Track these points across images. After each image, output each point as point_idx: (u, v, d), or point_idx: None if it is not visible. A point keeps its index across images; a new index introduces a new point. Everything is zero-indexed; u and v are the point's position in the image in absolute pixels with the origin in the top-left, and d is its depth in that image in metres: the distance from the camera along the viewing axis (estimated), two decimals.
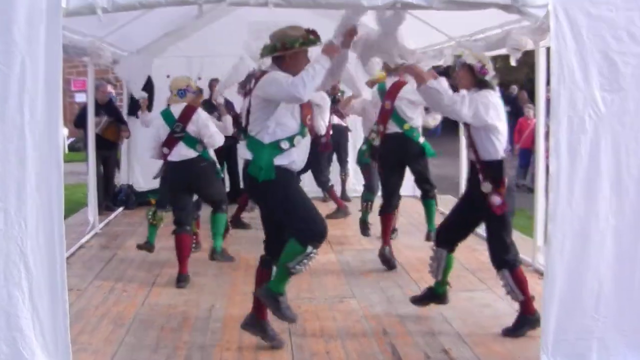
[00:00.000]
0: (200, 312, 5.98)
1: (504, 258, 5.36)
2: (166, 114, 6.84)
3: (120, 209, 10.87)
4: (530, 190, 10.80)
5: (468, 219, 5.60)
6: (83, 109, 10.26)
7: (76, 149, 19.42)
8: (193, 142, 6.76)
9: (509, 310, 5.92)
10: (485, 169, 5.27)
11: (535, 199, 7.07)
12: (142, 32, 9.98)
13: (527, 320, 5.33)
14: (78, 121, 10.69)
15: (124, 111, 11.28)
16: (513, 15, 6.33)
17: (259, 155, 4.78)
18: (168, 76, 10.53)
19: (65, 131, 19.16)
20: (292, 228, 4.83)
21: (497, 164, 5.29)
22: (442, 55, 9.37)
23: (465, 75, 5.36)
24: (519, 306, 5.40)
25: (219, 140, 6.92)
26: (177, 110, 6.79)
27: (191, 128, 6.73)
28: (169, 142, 6.76)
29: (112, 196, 10.99)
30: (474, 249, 8.11)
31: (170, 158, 6.80)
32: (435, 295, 5.78)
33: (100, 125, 10.11)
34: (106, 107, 10.53)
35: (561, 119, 4.16)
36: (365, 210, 8.38)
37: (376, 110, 7.43)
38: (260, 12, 4.86)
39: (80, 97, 19.04)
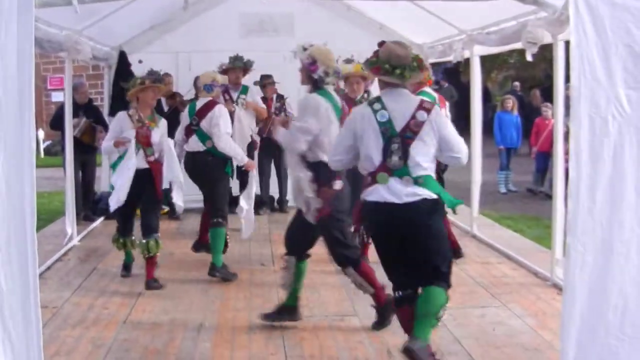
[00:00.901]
0: (187, 332, 5.94)
1: (344, 255, 5.88)
2: (191, 106, 7.81)
3: (101, 218, 10.79)
4: (548, 197, 10.80)
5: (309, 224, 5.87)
6: (60, 109, 10.24)
7: (53, 152, 19.39)
8: (204, 137, 7.54)
9: (524, 328, 5.92)
10: (312, 170, 5.71)
11: (554, 207, 7.05)
12: (124, 25, 10.01)
13: (383, 311, 5.85)
14: (54, 122, 10.67)
15: (105, 111, 11.26)
16: (529, 6, 6.37)
17: (441, 191, 4.86)
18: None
19: (41, 133, 19.15)
20: (443, 269, 4.85)
21: (317, 165, 5.68)
22: (451, 50, 9.38)
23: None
24: (372, 299, 5.92)
25: (223, 146, 7.50)
26: (200, 104, 7.68)
27: (204, 124, 7.53)
28: (187, 133, 7.68)
29: (91, 204, 10.93)
30: (487, 262, 8.14)
31: (186, 147, 7.69)
32: (285, 308, 6.08)
33: (79, 127, 10.08)
34: (85, 107, 10.50)
35: (582, 120, 4.13)
36: None
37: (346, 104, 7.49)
38: (250, 2, 4.81)
39: (57, 97, 19.03)
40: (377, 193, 4.78)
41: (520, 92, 22.05)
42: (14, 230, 3.88)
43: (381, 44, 4.97)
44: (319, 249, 8.70)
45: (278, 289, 7.05)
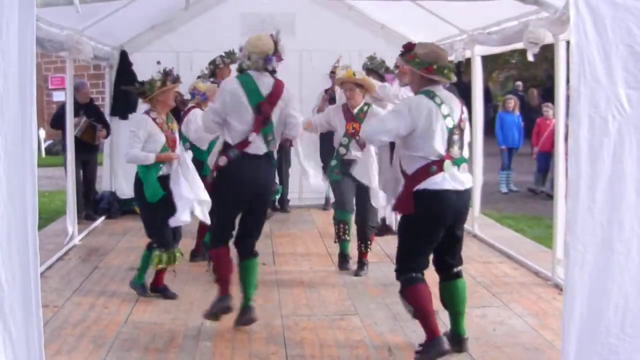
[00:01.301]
0: (188, 331, 5.94)
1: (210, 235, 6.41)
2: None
3: (102, 218, 10.84)
4: (550, 197, 10.80)
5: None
6: (61, 109, 10.24)
7: (54, 152, 19.39)
8: (184, 139, 7.63)
9: (525, 328, 5.92)
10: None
11: (555, 206, 7.05)
12: (125, 25, 10.01)
13: (216, 302, 6.00)
14: (54, 122, 10.65)
15: (106, 111, 11.26)
16: (530, 5, 6.37)
17: None
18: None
19: (42, 133, 19.15)
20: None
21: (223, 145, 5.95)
22: (452, 50, 9.37)
23: None
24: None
25: (196, 141, 7.73)
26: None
27: (182, 128, 7.65)
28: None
29: (93, 204, 10.94)
30: (487, 261, 8.14)
31: None
32: (242, 311, 6.03)
33: (79, 126, 10.07)
34: (87, 107, 10.50)
35: (582, 119, 4.13)
36: (342, 238, 7.86)
37: (344, 117, 7.52)
38: (251, 2, 4.82)
39: (58, 96, 19.02)
40: (442, 181, 5.08)
41: (521, 92, 22.02)
42: (15, 229, 3.88)
43: (411, 45, 5.26)
44: (317, 249, 8.76)
45: (279, 288, 7.08)
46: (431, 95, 5.11)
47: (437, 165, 5.05)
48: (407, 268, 5.22)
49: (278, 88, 5.87)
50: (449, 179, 5.08)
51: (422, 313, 5.14)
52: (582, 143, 4.12)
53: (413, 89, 5.40)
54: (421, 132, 5.03)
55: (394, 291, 6.79)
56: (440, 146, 5.05)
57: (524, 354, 5.39)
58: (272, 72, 5.86)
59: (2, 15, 3.81)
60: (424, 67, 5.11)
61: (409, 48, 5.25)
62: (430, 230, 5.19)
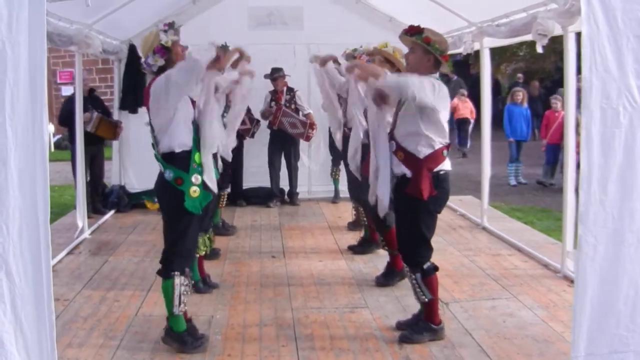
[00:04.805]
0: (199, 324, 5.91)
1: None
2: None
3: (112, 211, 10.86)
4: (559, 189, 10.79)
5: None
6: (66, 104, 10.22)
7: (63, 147, 19.45)
8: None
9: (535, 320, 5.92)
10: None
11: (565, 199, 7.03)
12: (133, 19, 10.00)
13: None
14: (62, 118, 10.43)
15: (115, 105, 11.27)
16: None
17: None
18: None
19: (51, 127, 19.19)
20: None
21: None
22: (461, 42, 9.36)
23: None
24: None
25: None
26: None
27: None
28: None
29: (101, 197, 10.95)
30: (497, 253, 8.13)
31: None
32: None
33: (92, 121, 10.04)
34: (90, 99, 10.38)
35: (593, 111, 4.12)
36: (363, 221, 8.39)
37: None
38: None
39: (67, 91, 19.04)
40: (448, 164, 5.38)
41: (522, 83, 21.96)
42: (27, 222, 3.90)
43: (419, 28, 5.29)
44: (326, 242, 8.77)
45: (289, 281, 7.09)
46: (443, 82, 5.26)
47: (446, 150, 5.31)
48: (428, 256, 5.45)
49: (147, 89, 5.36)
50: (449, 163, 5.41)
51: (435, 300, 5.48)
52: (593, 135, 4.11)
53: (417, 72, 5.22)
54: (442, 114, 5.18)
55: (403, 284, 6.82)
56: (447, 132, 5.31)
57: (533, 346, 5.39)
58: (160, 71, 5.43)
59: (12, 8, 3.81)
60: (443, 53, 5.24)
61: (417, 30, 5.26)
62: (440, 212, 5.43)
